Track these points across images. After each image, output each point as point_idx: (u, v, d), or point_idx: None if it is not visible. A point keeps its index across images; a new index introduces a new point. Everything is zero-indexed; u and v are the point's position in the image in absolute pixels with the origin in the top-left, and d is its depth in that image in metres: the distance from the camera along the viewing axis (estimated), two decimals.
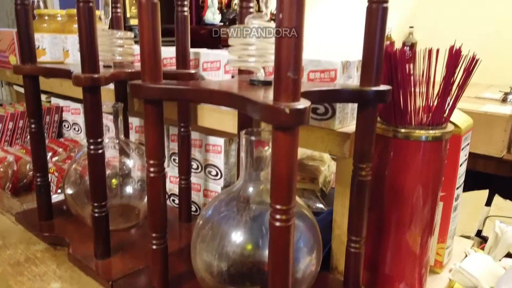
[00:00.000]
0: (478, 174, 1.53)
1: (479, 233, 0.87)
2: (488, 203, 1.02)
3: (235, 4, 1.99)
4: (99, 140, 0.56)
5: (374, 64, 0.44)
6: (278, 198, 0.35)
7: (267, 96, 0.37)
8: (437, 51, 0.47)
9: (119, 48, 0.63)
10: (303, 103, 0.33)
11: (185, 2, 0.63)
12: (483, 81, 2.17)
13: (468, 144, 0.62)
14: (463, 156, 0.60)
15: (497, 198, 0.98)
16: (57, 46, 0.98)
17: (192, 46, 0.67)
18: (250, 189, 0.47)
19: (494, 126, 1.38)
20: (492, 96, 1.66)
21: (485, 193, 0.95)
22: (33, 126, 0.66)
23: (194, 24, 1.94)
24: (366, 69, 0.45)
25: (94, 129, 0.56)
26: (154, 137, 0.46)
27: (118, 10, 0.74)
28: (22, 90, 0.87)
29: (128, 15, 1.61)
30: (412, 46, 2.33)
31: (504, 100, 1.55)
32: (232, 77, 0.61)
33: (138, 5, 0.42)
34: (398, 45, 2.43)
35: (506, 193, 1.08)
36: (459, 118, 0.58)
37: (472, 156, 1.48)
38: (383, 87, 0.45)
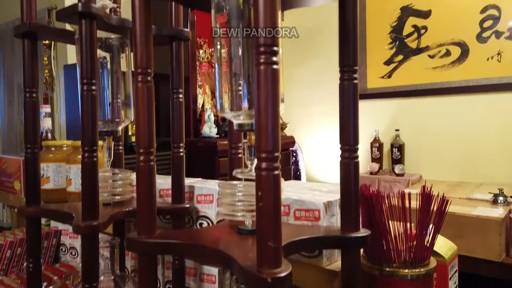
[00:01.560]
0: (481, 278, 1.50)
1: None
2: None
3: None
4: (95, 284, 0.57)
5: (352, 212, 0.48)
6: None
7: (252, 256, 0.40)
8: (409, 194, 0.51)
9: (118, 189, 0.67)
10: (285, 269, 0.35)
11: (181, 144, 0.69)
12: (473, 179, 2.23)
13: (456, 271, 0.63)
14: (453, 284, 0.61)
15: None
16: (61, 174, 1.03)
17: (190, 158, 0.72)
18: None
19: (489, 230, 1.39)
20: (482, 197, 1.69)
21: None
22: (30, 265, 0.68)
23: (192, 137, 2.06)
24: (345, 216, 0.48)
25: (90, 272, 0.57)
26: (148, 286, 0.48)
27: (120, 147, 0.81)
28: None
29: (130, 133, 1.72)
30: (400, 148, 2.44)
31: (494, 201, 1.58)
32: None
33: (137, 169, 0.47)
34: (386, 147, 2.54)
35: None
36: (442, 246, 0.61)
37: (473, 260, 1.46)
38: (363, 232, 0.48)
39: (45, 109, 1.14)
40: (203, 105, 2.24)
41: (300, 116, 2.99)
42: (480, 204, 1.61)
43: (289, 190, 0.67)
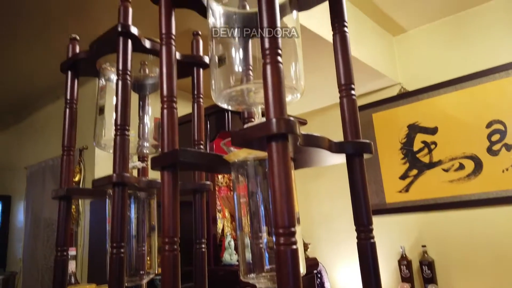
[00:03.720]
0: None
1: None
2: None
3: None
4: None
5: None
6: None
7: None
8: None
9: None
10: None
11: None
12: None
13: None
14: None
15: None
16: None
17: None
18: None
19: None
20: None
21: None
22: None
23: (212, 265, 2.02)
24: None
25: None
26: None
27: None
28: None
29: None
30: (430, 265, 2.32)
31: None
32: None
33: None
34: (415, 264, 2.42)
35: None
36: None
37: None
38: None
39: (71, 252, 1.17)
40: (222, 230, 2.25)
41: (322, 232, 2.94)
42: None
43: None
